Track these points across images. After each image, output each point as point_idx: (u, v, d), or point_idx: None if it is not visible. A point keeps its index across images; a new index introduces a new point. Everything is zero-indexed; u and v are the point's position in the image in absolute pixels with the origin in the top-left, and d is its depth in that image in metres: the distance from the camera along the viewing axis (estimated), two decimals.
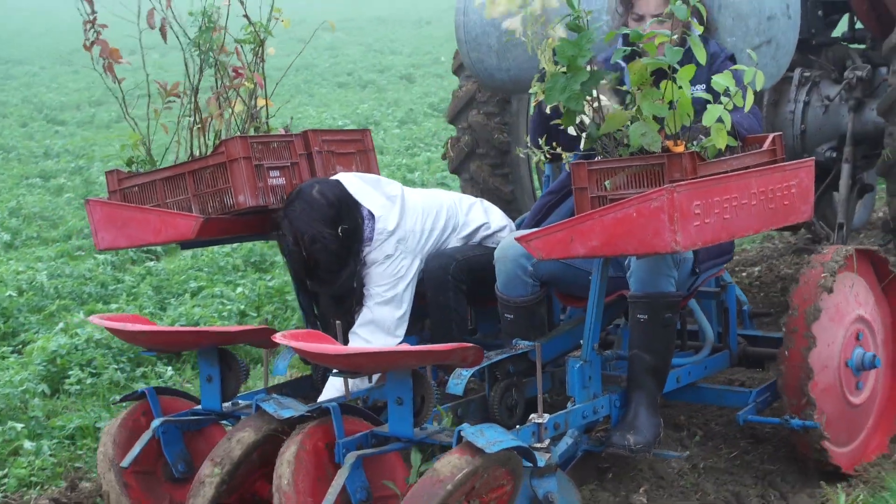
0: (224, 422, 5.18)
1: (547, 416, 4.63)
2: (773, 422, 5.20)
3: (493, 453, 4.20)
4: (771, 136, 4.68)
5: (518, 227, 5.73)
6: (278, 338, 4.46)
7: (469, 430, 4.27)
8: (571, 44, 4.30)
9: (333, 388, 5.14)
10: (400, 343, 5.28)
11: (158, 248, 10.24)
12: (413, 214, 5.38)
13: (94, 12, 5.36)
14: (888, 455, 5.48)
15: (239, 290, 8.28)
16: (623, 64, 5.02)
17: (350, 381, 4.92)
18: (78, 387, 6.66)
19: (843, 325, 5.29)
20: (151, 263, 9.66)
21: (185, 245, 5.62)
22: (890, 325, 5.62)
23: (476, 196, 6.17)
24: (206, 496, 4.43)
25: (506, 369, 5.03)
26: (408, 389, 4.46)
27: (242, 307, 7.76)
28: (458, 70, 7.25)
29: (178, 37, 5.32)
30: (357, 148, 5.81)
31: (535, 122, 5.12)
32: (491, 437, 4.25)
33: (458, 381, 4.79)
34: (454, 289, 5.40)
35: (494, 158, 7.09)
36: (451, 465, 4.22)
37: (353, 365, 4.38)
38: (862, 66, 6.79)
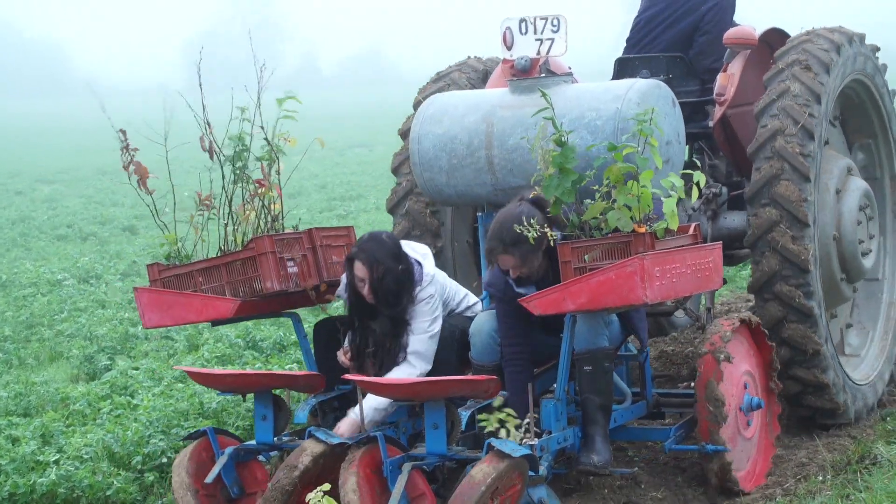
0: (261, 457, 6.47)
1: (537, 439, 6.05)
2: (692, 449, 6.74)
3: (516, 458, 5.61)
4: (693, 224, 6.32)
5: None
6: (349, 376, 5.84)
7: (496, 442, 5.67)
8: (561, 154, 5.88)
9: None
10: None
11: None
12: (438, 271, 6.86)
13: (126, 140, 6.68)
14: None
15: None
16: None
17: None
18: None
19: (736, 377, 6.91)
20: None
21: (217, 322, 6.86)
22: (763, 372, 7.25)
23: None
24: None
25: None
26: (442, 416, 5.85)
27: None
28: (395, 170, 8.66)
29: (218, 156, 6.67)
30: (345, 242, 7.15)
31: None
32: (513, 447, 5.67)
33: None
34: (458, 352, 6.75)
35: (427, 240, 8.42)
36: (484, 470, 5.60)
37: (413, 392, 5.76)
38: (715, 185, 8.56)
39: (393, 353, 6.59)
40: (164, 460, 7.48)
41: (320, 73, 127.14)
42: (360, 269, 6.56)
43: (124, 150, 6.74)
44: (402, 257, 6.63)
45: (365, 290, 6.59)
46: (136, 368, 9.94)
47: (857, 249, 8.21)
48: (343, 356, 6.79)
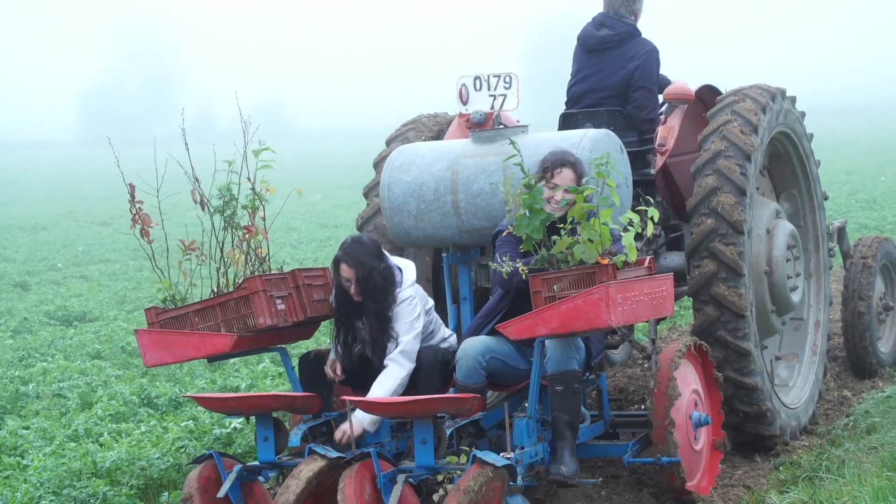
0: (260, 477, 7.02)
1: (513, 453, 6.70)
2: (648, 461, 7.42)
3: (499, 466, 6.25)
4: (647, 258, 7.04)
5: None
6: (346, 398, 6.45)
7: (480, 453, 6.31)
8: (530, 196, 6.58)
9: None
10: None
11: None
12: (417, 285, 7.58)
13: (133, 195, 7.27)
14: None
15: None
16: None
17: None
18: None
19: (686, 396, 7.62)
20: None
21: (214, 358, 7.42)
22: (708, 391, 7.98)
23: None
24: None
25: (468, 430, 7.07)
26: (430, 432, 6.47)
27: None
28: (367, 194, 9.30)
29: (208, 206, 7.28)
30: (323, 281, 7.77)
31: (504, 246, 7.25)
32: (495, 458, 6.31)
33: None
34: (441, 372, 7.38)
35: (392, 252, 9.05)
36: (471, 477, 6.23)
37: (407, 410, 6.39)
38: (655, 227, 9.31)
39: (381, 346, 7.32)
40: None
41: (217, 127, 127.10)
42: (346, 271, 7.29)
43: (132, 203, 7.32)
44: (383, 257, 7.38)
45: (352, 290, 7.31)
46: (27, 428, 9.77)
47: (786, 283, 9.01)
48: (329, 370, 7.45)
